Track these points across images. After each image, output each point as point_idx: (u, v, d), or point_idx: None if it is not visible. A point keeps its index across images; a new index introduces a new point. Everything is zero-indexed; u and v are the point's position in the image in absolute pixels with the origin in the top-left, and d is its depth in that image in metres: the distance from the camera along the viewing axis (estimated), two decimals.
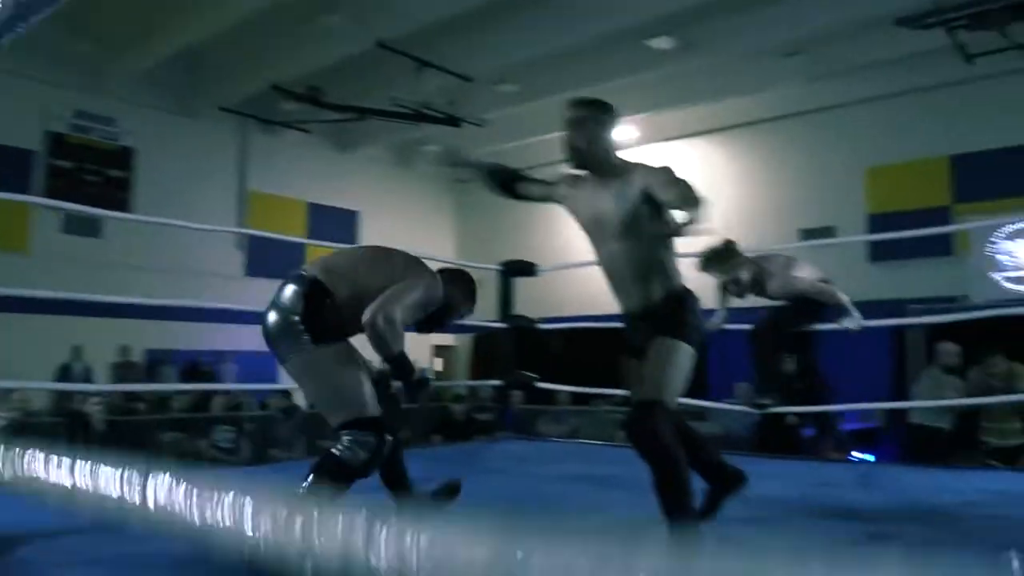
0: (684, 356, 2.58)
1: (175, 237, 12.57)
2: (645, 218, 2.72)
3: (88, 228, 13.10)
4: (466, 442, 6.61)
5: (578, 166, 2.94)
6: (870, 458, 7.29)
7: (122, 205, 12.97)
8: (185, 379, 13.06)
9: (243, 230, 14.32)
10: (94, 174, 13.36)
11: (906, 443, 7.09)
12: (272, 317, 2.87)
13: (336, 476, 2.61)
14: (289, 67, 12.57)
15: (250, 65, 12.95)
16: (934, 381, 7.05)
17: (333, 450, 2.66)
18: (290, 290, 2.86)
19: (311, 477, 2.60)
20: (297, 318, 2.79)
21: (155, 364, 13.20)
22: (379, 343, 2.67)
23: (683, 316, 2.63)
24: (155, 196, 13.26)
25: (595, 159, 2.90)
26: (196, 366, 13.47)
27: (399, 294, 2.68)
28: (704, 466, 2.80)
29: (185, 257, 13.45)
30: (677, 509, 2.35)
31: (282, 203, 15.57)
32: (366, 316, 2.63)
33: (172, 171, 13.90)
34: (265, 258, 14.83)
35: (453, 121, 13.76)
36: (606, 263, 2.84)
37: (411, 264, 2.85)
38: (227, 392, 9.21)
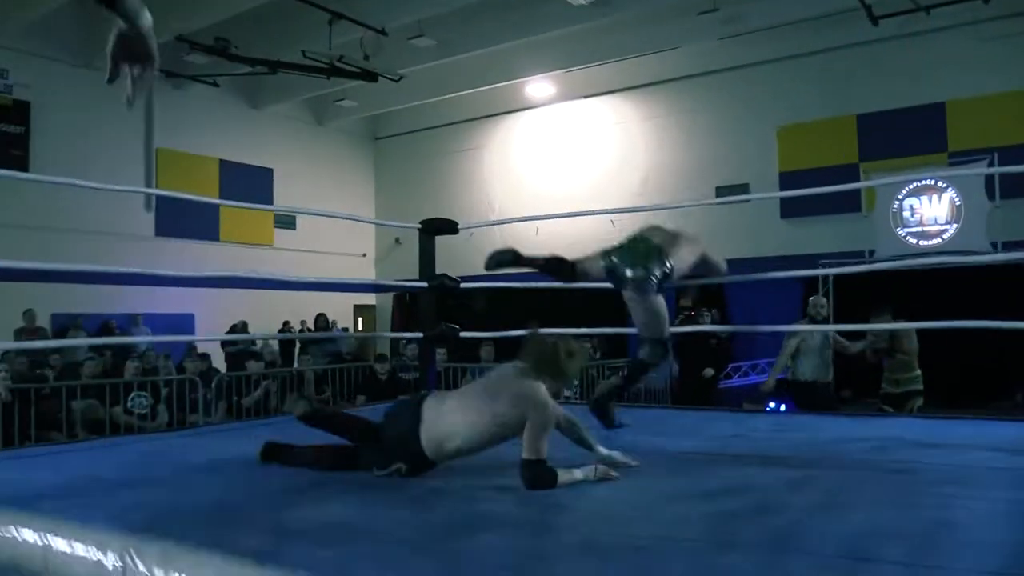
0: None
1: (79, 197, 12.00)
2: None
3: None
4: (391, 401, 6.59)
5: None
6: (782, 408, 7.57)
7: (19, 163, 12.30)
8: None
9: (150, 190, 13.79)
10: None
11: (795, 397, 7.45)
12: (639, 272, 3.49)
13: (641, 370, 3.72)
14: (196, 17, 12.02)
15: (154, 14, 12.21)
16: (807, 336, 7.29)
17: (640, 356, 3.68)
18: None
19: (626, 373, 3.73)
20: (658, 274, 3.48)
21: (62, 329, 12.70)
22: None
23: None
24: (54, 153, 12.63)
25: None
26: (107, 329, 13.02)
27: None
28: None
29: (91, 218, 12.89)
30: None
31: (192, 161, 15.03)
32: None
33: (72, 126, 13.22)
34: (176, 218, 14.37)
35: (369, 76, 13.46)
36: None
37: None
38: (141, 356, 8.93)
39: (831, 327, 7.32)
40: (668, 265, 3.51)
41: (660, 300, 3.62)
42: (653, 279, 3.48)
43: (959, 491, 2.60)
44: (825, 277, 11.08)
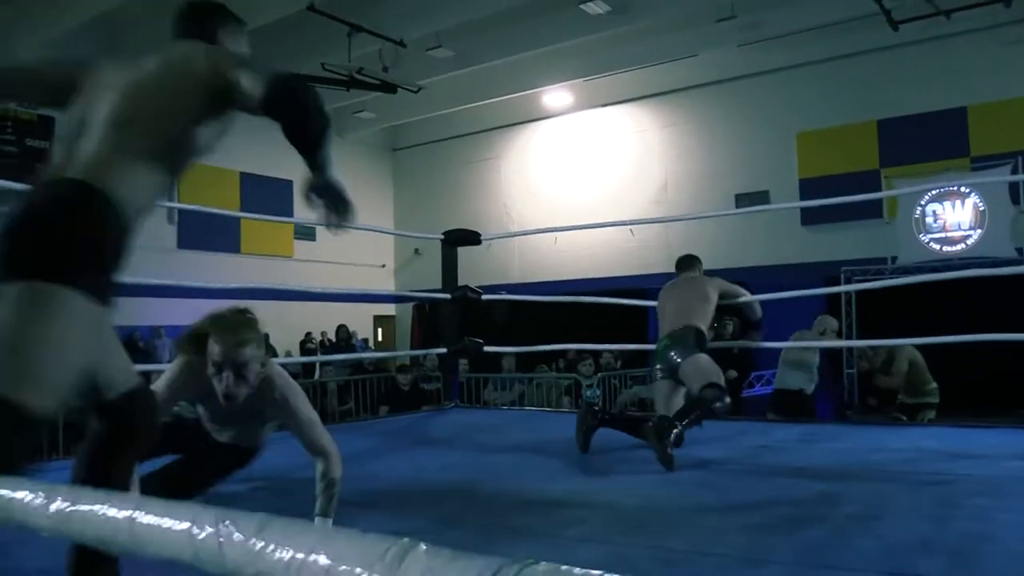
0: None
1: None
2: None
3: (6, 201, 12.55)
4: (414, 412, 6.60)
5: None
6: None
7: None
8: None
9: (172, 203, 13.90)
10: (12, 144, 12.80)
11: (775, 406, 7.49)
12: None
13: (702, 412, 3.54)
14: None
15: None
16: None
17: (703, 396, 3.56)
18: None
19: (685, 414, 3.51)
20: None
21: None
22: None
23: None
24: None
25: None
26: (131, 342, 13.14)
27: None
28: None
29: None
30: None
31: (214, 173, 15.14)
32: None
33: None
34: (198, 230, 14.50)
35: (388, 87, 13.53)
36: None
37: None
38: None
39: (832, 343, 7.28)
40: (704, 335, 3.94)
41: (703, 356, 3.83)
42: (693, 350, 3.82)
43: (995, 502, 2.57)
44: (847, 284, 11.00)
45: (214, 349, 2.44)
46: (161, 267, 13.12)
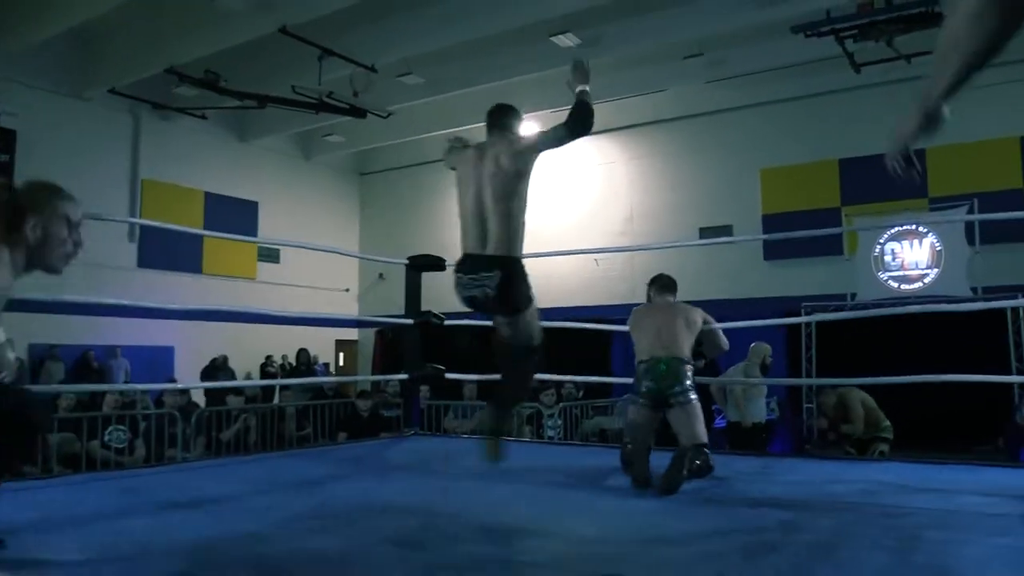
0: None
1: None
2: None
3: None
4: (373, 439, 6.52)
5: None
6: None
7: None
8: (74, 375, 12.46)
9: (135, 220, 13.73)
10: None
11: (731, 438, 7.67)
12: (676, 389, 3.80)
13: (691, 472, 3.52)
14: (186, 50, 12.06)
15: (144, 46, 12.37)
16: (745, 375, 7.56)
17: (698, 467, 3.58)
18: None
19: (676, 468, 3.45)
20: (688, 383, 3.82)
21: (40, 359, 12.52)
22: None
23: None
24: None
25: None
26: (85, 361, 12.86)
27: None
28: None
29: None
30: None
31: (178, 192, 14.99)
32: None
33: (58, 155, 13.14)
34: (159, 249, 14.29)
35: (357, 112, 13.53)
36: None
37: None
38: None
39: (782, 380, 7.47)
40: (691, 368, 3.88)
41: (697, 405, 3.82)
42: (689, 392, 3.79)
43: (951, 536, 2.59)
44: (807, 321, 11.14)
45: (69, 209, 2.32)
46: (119, 286, 12.91)
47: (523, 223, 3.34)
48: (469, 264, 3.24)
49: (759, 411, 7.76)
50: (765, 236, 11.94)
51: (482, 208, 3.25)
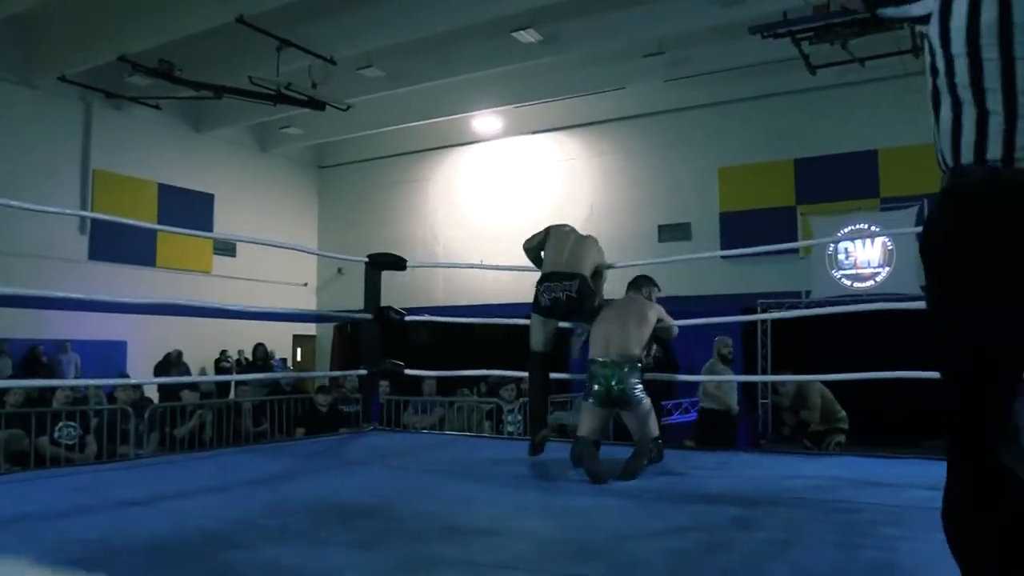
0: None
1: (9, 217, 11.58)
2: None
3: None
4: (331, 435, 6.47)
5: None
6: None
7: None
8: (23, 370, 12.16)
9: (86, 213, 13.42)
10: None
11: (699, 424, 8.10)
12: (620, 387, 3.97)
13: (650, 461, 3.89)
14: (139, 38, 11.82)
15: (96, 33, 12.10)
16: (712, 370, 7.92)
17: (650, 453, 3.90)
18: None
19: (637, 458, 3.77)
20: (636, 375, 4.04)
21: None
22: None
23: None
24: None
25: None
26: (33, 356, 12.55)
27: None
28: None
29: (21, 239, 12.44)
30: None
31: (130, 183, 14.69)
32: None
33: (5, 145, 12.82)
34: (111, 242, 14.01)
35: (316, 104, 13.39)
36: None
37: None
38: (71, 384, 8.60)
39: (745, 377, 7.67)
40: (640, 364, 4.03)
41: (647, 403, 3.99)
42: (638, 393, 3.94)
43: (900, 531, 2.64)
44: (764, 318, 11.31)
45: None
46: (70, 278, 12.64)
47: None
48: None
49: (732, 400, 8.13)
50: (725, 252, 12.13)
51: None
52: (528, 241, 4.71)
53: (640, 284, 4.51)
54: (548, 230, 4.60)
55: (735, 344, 8.40)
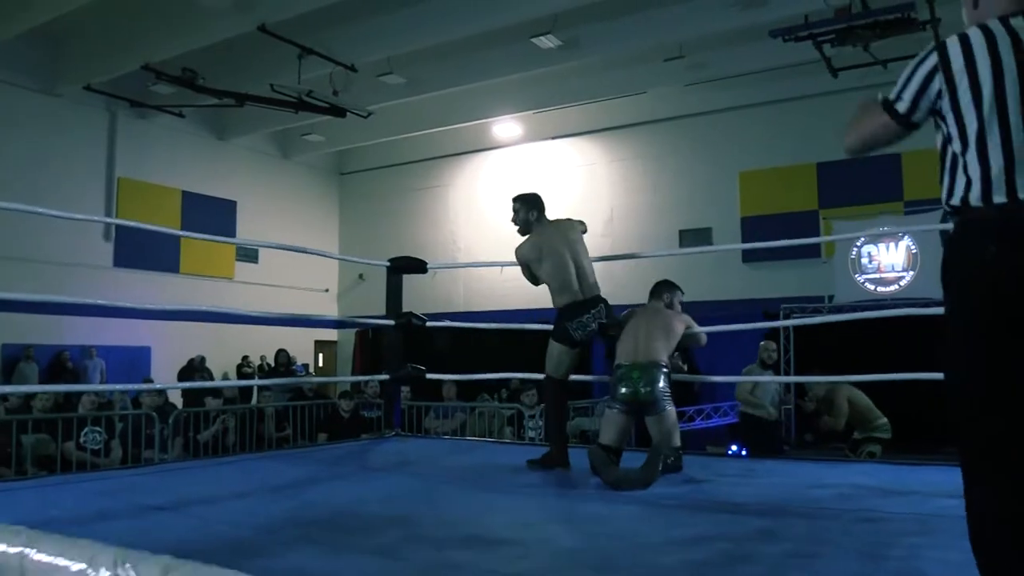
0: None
1: (36, 225, 11.75)
2: None
3: None
4: (353, 440, 6.50)
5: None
6: (743, 452, 7.68)
7: None
8: (49, 375, 12.32)
9: (111, 219, 13.59)
10: None
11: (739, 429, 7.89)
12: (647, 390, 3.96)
13: (666, 468, 3.78)
14: (163, 47, 11.96)
15: (121, 43, 12.25)
16: (751, 375, 7.75)
17: (671, 459, 3.86)
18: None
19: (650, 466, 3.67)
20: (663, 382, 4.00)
21: (13, 360, 12.37)
22: None
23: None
24: (12, 179, 12.38)
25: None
26: (59, 362, 12.71)
27: None
28: None
29: (47, 246, 12.62)
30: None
31: (154, 191, 14.85)
32: None
33: (32, 153, 13.01)
34: (135, 249, 14.16)
35: (337, 111, 13.48)
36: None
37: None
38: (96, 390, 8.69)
39: (773, 378, 7.59)
40: (667, 371, 4.00)
41: (672, 411, 3.99)
42: (664, 401, 3.92)
43: (927, 540, 2.61)
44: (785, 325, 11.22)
45: None
46: (95, 285, 12.79)
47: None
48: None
49: (768, 405, 7.91)
50: (743, 245, 12.06)
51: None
52: (524, 252, 4.61)
53: (661, 291, 4.47)
54: (540, 246, 4.50)
55: (755, 354, 8.26)
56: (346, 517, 3.11)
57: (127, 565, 0.80)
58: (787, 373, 11.71)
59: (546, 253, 4.42)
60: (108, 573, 0.80)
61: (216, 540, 2.72)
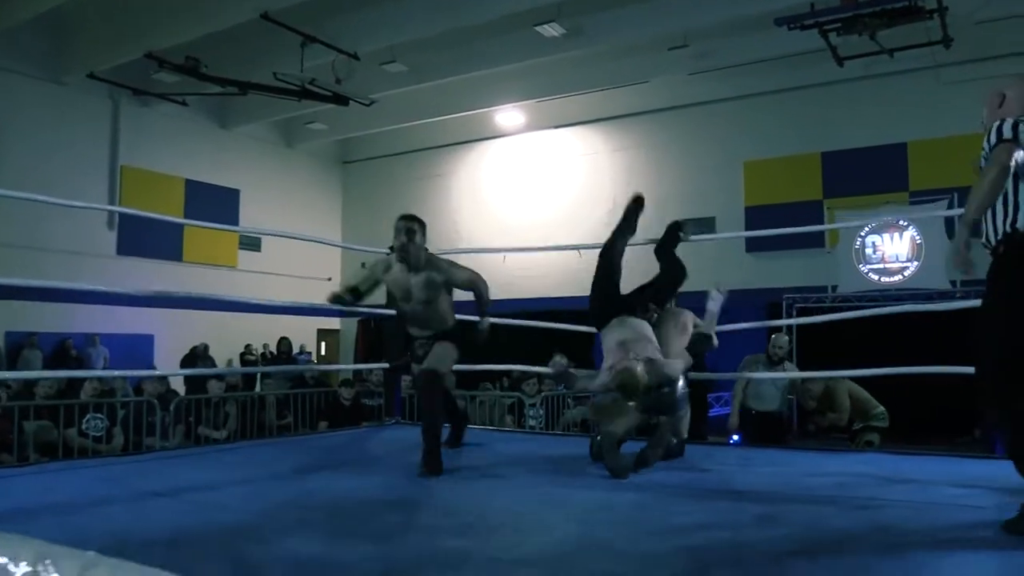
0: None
1: (40, 213, 11.76)
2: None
3: None
4: (354, 428, 6.50)
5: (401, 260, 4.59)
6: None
7: None
8: (53, 362, 12.35)
9: (114, 207, 13.58)
10: None
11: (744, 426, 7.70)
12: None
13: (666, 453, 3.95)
14: (166, 35, 11.92)
15: (123, 31, 12.22)
16: (763, 369, 7.53)
17: (675, 440, 4.03)
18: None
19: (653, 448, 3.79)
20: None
21: (17, 347, 12.40)
22: None
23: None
24: (16, 168, 12.37)
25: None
26: (63, 349, 12.74)
27: None
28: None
29: (51, 234, 12.61)
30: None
31: (157, 179, 14.84)
32: None
33: (35, 141, 12.99)
34: (138, 237, 14.16)
35: (340, 99, 13.43)
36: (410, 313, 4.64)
37: None
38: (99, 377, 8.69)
39: (782, 375, 7.47)
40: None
41: (688, 412, 4.12)
42: (679, 398, 3.94)
43: (926, 529, 2.61)
44: (788, 311, 11.20)
45: None
46: (98, 273, 12.80)
47: None
48: None
49: (768, 400, 7.69)
50: (745, 233, 12.00)
51: None
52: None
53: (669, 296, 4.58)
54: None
55: (761, 341, 8.16)
56: (345, 504, 3.11)
57: (47, 561, 0.78)
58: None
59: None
60: (28, 568, 0.78)
61: (215, 526, 2.73)
